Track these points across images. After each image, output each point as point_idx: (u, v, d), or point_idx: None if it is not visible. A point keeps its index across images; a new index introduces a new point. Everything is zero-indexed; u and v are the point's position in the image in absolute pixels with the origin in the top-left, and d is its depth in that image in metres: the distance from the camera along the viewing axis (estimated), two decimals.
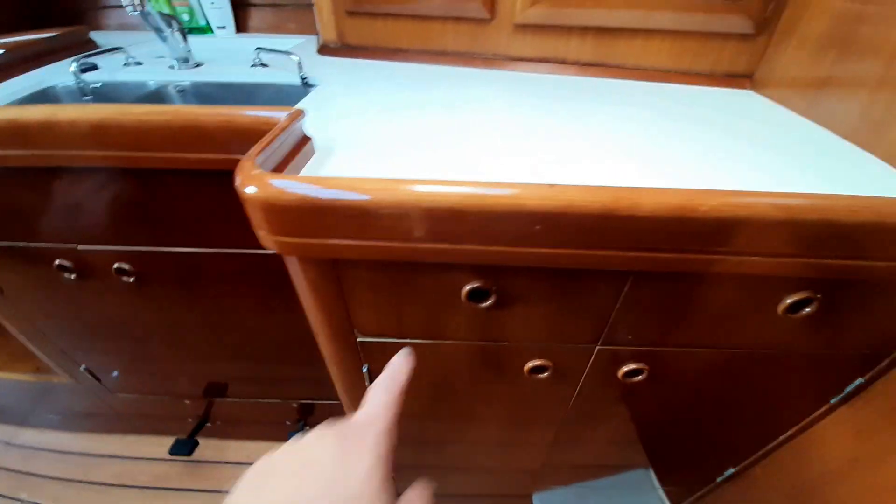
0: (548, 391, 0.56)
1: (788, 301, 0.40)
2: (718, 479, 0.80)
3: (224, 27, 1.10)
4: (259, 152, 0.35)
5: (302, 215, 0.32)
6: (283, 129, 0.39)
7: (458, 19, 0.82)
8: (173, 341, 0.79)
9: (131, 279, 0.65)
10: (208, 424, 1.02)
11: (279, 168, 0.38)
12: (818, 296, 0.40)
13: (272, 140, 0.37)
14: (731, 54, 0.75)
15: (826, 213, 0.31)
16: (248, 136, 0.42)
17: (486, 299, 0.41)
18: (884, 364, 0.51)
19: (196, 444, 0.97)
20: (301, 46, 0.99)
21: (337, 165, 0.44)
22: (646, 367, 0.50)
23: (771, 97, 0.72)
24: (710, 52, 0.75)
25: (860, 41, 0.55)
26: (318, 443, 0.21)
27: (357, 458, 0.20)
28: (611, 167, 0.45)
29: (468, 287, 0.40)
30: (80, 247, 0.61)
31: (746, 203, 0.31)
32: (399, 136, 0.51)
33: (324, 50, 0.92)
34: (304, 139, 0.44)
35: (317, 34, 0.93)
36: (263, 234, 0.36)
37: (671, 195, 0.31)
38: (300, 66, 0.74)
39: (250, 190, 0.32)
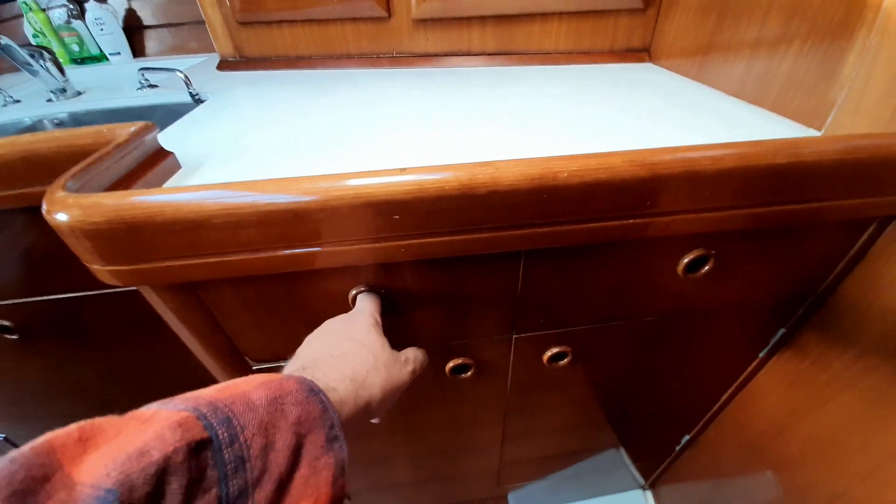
0: (477, 389, 0.54)
1: (685, 261, 0.39)
2: (677, 448, 0.80)
3: (118, 53, 1.03)
4: (75, 174, 0.30)
5: (132, 235, 0.28)
6: (119, 146, 0.35)
7: (355, 20, 0.79)
8: (77, 396, 0.71)
9: (15, 336, 0.58)
10: None
11: (117, 187, 0.34)
12: (712, 252, 0.39)
13: (101, 158, 0.33)
14: (625, 30, 0.76)
15: (688, 164, 0.30)
16: None
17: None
18: (801, 312, 0.51)
19: None
20: (202, 65, 0.93)
21: (202, 178, 0.40)
22: (568, 348, 0.48)
23: (668, 67, 0.73)
24: (606, 29, 0.76)
25: (734, 5, 0.56)
26: (329, 322, 0.33)
27: (358, 324, 0.32)
28: (508, 147, 0.44)
29: (354, 292, 0.37)
30: None
31: (606, 164, 0.29)
32: (284, 144, 0.47)
33: (223, 65, 0.88)
34: (161, 153, 0.40)
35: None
36: (97, 269, 0.31)
37: (529, 165, 0.29)
38: (187, 82, 0.69)
39: (61, 217, 0.28)
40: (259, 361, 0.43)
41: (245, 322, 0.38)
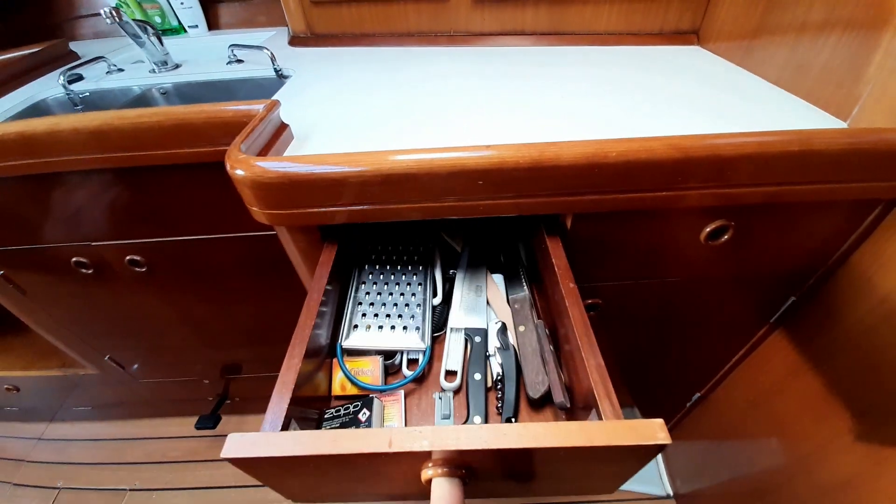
0: None
1: (708, 229, 0.47)
2: (688, 405, 0.89)
3: (196, 26, 1.13)
4: (243, 140, 0.41)
5: (285, 189, 0.39)
6: (261, 119, 0.45)
7: (417, 0, 0.86)
8: (187, 326, 0.86)
9: (143, 269, 0.72)
10: (228, 401, 1.11)
11: (262, 153, 0.44)
12: (732, 223, 0.47)
13: (252, 129, 0.43)
14: (676, 12, 0.80)
15: (714, 149, 0.37)
16: (232, 129, 0.48)
17: None
18: (811, 282, 0.58)
19: (219, 418, 1.06)
20: (273, 39, 1.03)
21: (314, 147, 0.50)
22: (599, 301, 0.57)
23: (714, 51, 0.77)
24: (657, 11, 0.80)
25: None
26: None
27: None
28: (561, 126, 0.52)
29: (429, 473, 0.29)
30: (94, 243, 0.67)
31: (647, 147, 0.37)
32: (366, 116, 0.57)
33: (294, 41, 0.97)
34: (283, 126, 0.51)
35: (287, 26, 0.97)
36: (255, 210, 0.42)
37: (585, 146, 0.37)
38: (273, 59, 0.79)
39: (239, 172, 0.39)
40: None
41: None
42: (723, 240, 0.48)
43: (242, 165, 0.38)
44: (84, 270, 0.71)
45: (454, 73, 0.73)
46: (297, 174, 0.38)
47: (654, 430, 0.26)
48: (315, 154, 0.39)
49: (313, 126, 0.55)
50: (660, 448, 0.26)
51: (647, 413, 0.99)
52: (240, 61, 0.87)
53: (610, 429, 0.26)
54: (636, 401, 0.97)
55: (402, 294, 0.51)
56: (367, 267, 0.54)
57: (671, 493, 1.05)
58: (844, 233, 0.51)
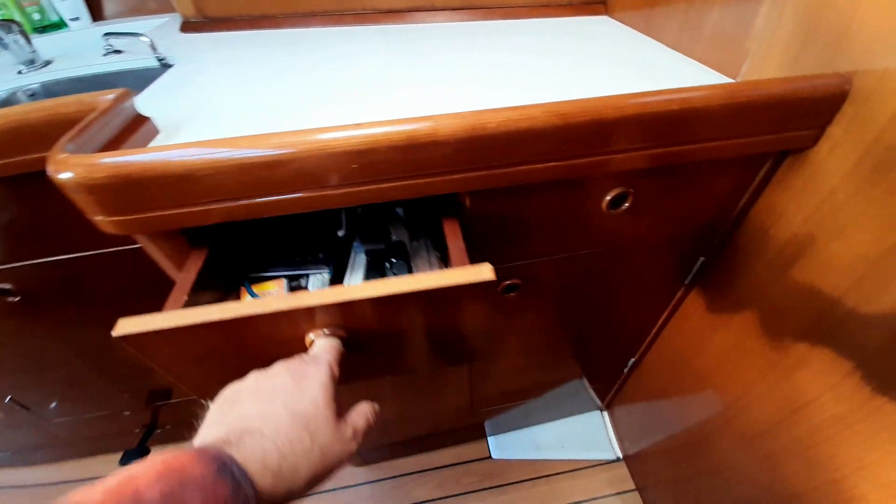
0: None
1: (608, 198, 0.46)
2: (625, 371, 0.92)
3: (78, 18, 1.00)
4: (73, 138, 0.35)
5: (124, 189, 0.33)
6: (104, 113, 0.39)
7: None
8: (83, 357, 0.77)
9: (17, 299, 0.63)
10: (158, 430, 1.02)
11: (106, 150, 0.38)
12: (630, 190, 0.46)
13: (90, 124, 0.37)
14: None
15: (594, 113, 0.36)
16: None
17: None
18: (716, 241, 0.60)
19: (147, 450, 0.98)
20: (164, 27, 0.92)
21: (180, 140, 0.44)
22: (518, 281, 0.56)
23: (621, 20, 0.77)
24: None
25: None
26: (276, 374, 0.28)
27: (308, 384, 0.27)
28: (464, 100, 0.49)
29: (311, 337, 0.33)
30: None
31: (527, 115, 0.35)
32: (251, 106, 0.51)
33: (186, 27, 0.87)
34: (139, 119, 0.44)
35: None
36: (101, 220, 0.36)
37: (462, 118, 0.35)
38: (153, 47, 0.70)
39: (65, 176, 0.33)
40: None
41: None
42: (624, 207, 0.48)
43: (65, 166, 0.32)
44: None
45: (359, 52, 0.68)
46: (135, 169, 0.32)
47: (481, 271, 0.32)
48: (159, 145, 0.34)
49: (188, 118, 0.49)
50: (489, 284, 0.32)
51: (593, 380, 1.02)
52: (118, 52, 0.77)
53: (448, 275, 0.32)
54: (584, 372, 0.98)
55: None
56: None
57: (620, 456, 1.09)
58: (740, 190, 0.52)
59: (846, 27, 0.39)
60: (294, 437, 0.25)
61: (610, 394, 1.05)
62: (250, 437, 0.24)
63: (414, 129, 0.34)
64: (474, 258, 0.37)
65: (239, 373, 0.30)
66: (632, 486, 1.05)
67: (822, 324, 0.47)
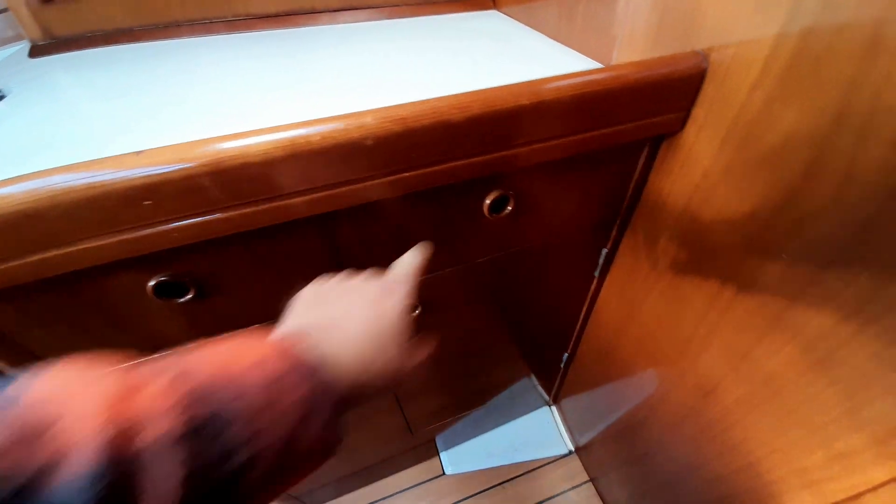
0: None
1: (487, 202, 0.43)
2: (562, 366, 0.91)
3: None
4: None
5: None
6: None
7: None
8: None
9: None
10: None
11: None
12: (510, 192, 0.43)
13: None
14: None
15: (437, 115, 0.32)
16: None
17: (183, 294, 0.37)
18: (614, 232, 0.58)
19: None
20: (15, 55, 0.79)
21: None
22: (415, 302, 0.51)
23: (508, 13, 0.75)
24: None
25: None
26: (363, 284, 0.29)
27: (391, 301, 0.27)
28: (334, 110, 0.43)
29: (153, 283, 0.36)
30: None
31: (358, 123, 0.30)
32: (87, 134, 0.43)
33: (35, 51, 0.75)
34: None
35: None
36: None
37: (276, 135, 0.29)
38: None
39: None
40: None
41: (55, 336, 0.36)
42: (507, 210, 0.44)
43: None
44: None
45: (215, 64, 0.61)
46: None
47: None
48: None
49: (6, 155, 0.40)
50: None
51: (538, 377, 1.00)
52: None
53: None
54: (530, 369, 0.96)
55: None
56: None
57: (572, 449, 1.08)
58: (624, 180, 0.50)
59: (697, 2, 0.38)
60: (372, 339, 0.25)
61: (554, 388, 1.03)
62: (334, 331, 0.25)
63: (217, 159, 0.28)
64: None
65: None
66: (585, 477, 1.04)
67: (714, 308, 0.46)
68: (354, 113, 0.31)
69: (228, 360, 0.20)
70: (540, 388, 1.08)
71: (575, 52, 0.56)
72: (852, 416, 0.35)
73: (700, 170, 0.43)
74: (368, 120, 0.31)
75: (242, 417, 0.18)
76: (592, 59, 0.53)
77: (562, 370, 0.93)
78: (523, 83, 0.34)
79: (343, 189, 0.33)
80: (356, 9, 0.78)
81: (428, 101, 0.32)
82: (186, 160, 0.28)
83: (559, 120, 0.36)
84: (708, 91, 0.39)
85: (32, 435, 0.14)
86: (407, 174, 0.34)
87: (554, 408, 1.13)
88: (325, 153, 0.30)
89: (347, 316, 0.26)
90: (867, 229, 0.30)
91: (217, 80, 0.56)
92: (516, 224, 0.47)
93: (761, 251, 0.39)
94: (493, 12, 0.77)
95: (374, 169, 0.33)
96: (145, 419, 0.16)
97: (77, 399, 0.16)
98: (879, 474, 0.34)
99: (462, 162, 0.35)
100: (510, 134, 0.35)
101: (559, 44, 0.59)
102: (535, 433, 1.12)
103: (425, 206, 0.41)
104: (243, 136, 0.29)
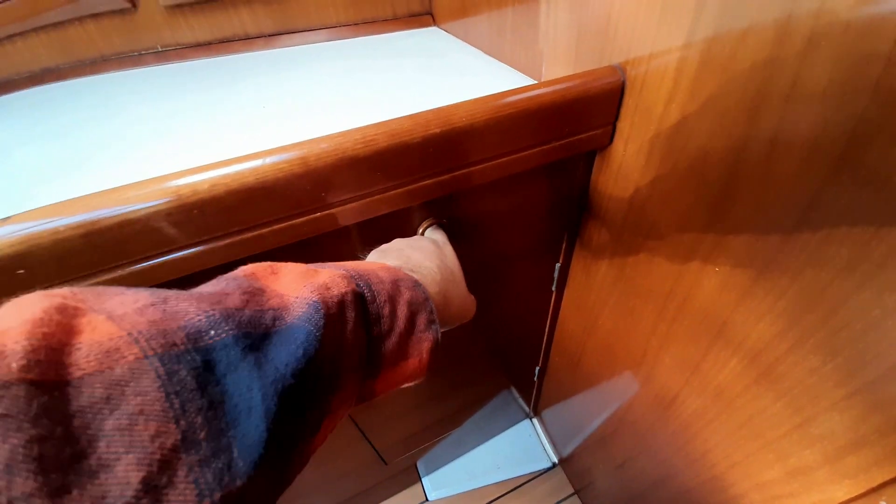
0: None
1: (420, 232, 0.41)
2: (535, 378, 0.89)
3: None
4: None
5: None
6: None
7: (96, 16, 0.68)
8: None
9: None
10: None
11: None
12: (444, 220, 0.41)
13: None
14: None
15: (343, 151, 0.30)
16: None
17: None
18: (564, 246, 0.57)
19: None
20: None
21: None
22: None
23: (447, 30, 0.74)
24: None
25: None
26: (423, 238, 0.35)
27: (448, 250, 0.35)
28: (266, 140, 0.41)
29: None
30: None
31: (252, 169, 0.28)
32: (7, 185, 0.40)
33: None
34: None
35: None
36: None
37: (160, 186, 0.27)
38: None
39: None
40: None
41: None
42: None
43: None
44: None
45: (138, 99, 0.58)
46: None
47: None
48: None
49: None
50: None
51: (520, 389, 0.97)
52: None
53: None
54: (512, 382, 0.94)
55: None
56: None
57: (556, 461, 1.06)
58: (561, 198, 0.49)
59: (608, 15, 0.37)
60: (447, 277, 0.30)
61: (531, 402, 1.02)
62: (425, 269, 0.29)
63: (165, 193, 0.26)
64: None
65: None
66: (570, 490, 1.03)
67: (663, 319, 0.45)
68: (246, 155, 0.29)
69: (366, 265, 0.25)
70: (521, 401, 1.06)
71: (508, 67, 0.55)
72: (802, 431, 0.34)
73: (632, 184, 0.42)
74: (259, 163, 0.28)
75: (383, 294, 0.23)
76: (524, 73, 0.52)
77: (535, 382, 0.91)
78: (432, 111, 0.32)
79: (249, 235, 0.31)
80: (292, 32, 0.76)
81: (332, 136, 0.30)
82: (60, 215, 0.25)
83: (478, 144, 0.34)
84: (629, 104, 0.39)
85: (259, 291, 0.19)
86: (315, 215, 0.32)
87: (535, 420, 1.12)
88: (215, 202, 0.28)
89: (427, 253, 0.31)
90: (789, 241, 0.29)
91: (141, 118, 0.53)
92: (458, 248, 0.46)
93: (698, 264, 0.38)
94: (433, 29, 0.77)
95: (276, 213, 0.31)
96: (330, 284, 0.20)
97: (277, 272, 0.21)
98: (839, 493, 0.33)
99: (377, 197, 0.33)
100: (425, 164, 0.34)
101: (493, 59, 0.58)
102: (518, 448, 1.10)
103: (348, 243, 0.39)
104: (123, 189, 0.27)
